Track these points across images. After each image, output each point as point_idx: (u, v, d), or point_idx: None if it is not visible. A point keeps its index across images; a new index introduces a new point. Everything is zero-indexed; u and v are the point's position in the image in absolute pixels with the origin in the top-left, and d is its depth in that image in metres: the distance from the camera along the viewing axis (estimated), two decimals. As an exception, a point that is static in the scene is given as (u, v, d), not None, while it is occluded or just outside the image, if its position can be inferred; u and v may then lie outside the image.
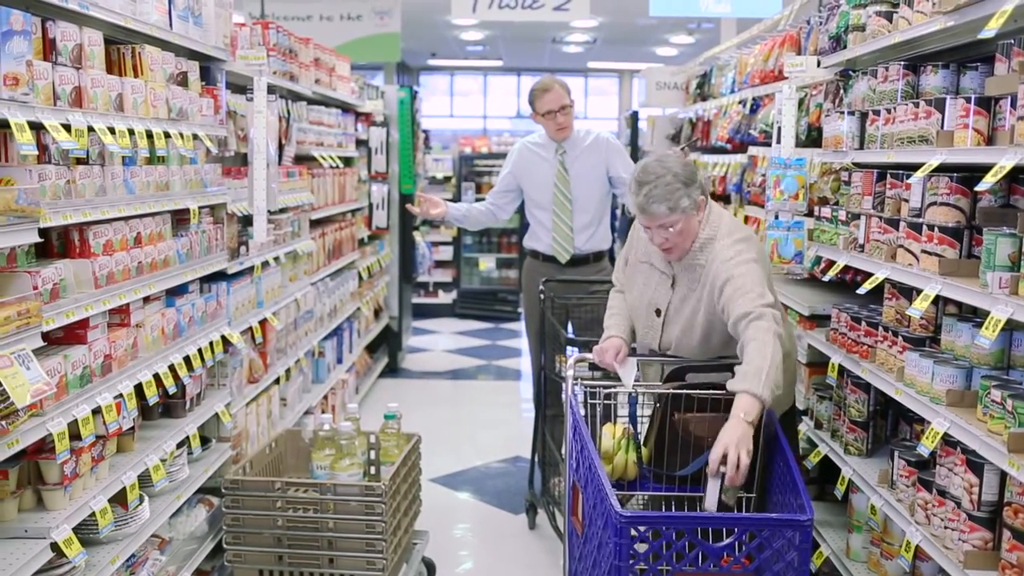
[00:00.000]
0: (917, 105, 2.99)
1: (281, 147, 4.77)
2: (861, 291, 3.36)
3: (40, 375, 2.28)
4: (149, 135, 3.11)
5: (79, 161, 2.79)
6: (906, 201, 3.15)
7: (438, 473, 5.58)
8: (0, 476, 2.49)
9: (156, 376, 3.11)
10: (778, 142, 4.25)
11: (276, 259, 4.59)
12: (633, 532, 2.48)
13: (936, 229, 2.86)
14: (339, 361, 6.15)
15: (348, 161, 6.86)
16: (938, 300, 2.99)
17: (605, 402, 3.13)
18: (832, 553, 3.52)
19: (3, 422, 2.23)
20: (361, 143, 7.42)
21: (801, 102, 4.47)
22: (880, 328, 3.28)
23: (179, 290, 3.46)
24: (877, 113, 3.34)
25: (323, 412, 5.42)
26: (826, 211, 3.85)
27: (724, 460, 2.63)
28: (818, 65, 4.12)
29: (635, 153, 10.20)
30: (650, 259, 3.25)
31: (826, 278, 3.83)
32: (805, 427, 3.92)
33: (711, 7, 8.37)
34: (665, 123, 8.67)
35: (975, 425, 2.55)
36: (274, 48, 4.69)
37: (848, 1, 3.74)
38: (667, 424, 2.99)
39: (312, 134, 5.57)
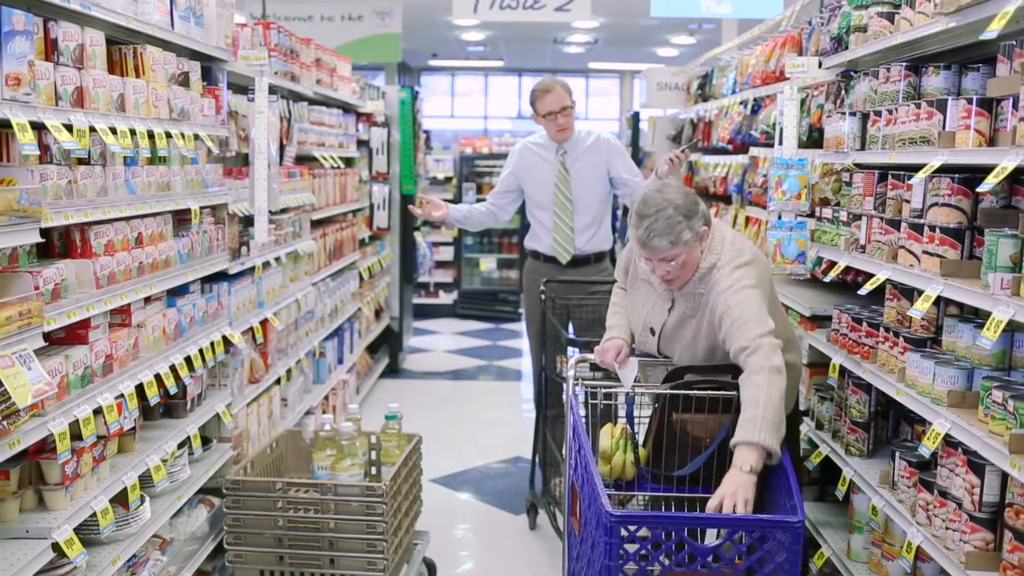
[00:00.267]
0: (919, 106, 2.99)
1: (282, 147, 4.77)
2: (862, 292, 3.36)
3: (41, 375, 2.28)
4: (150, 135, 3.12)
5: (80, 161, 2.79)
6: (907, 202, 3.15)
7: (439, 473, 5.58)
8: (1, 476, 2.49)
9: (157, 376, 3.11)
10: (780, 143, 4.24)
11: (277, 259, 4.59)
12: (624, 532, 2.47)
13: (937, 230, 2.86)
14: (340, 361, 6.15)
15: (349, 161, 6.86)
16: (939, 301, 2.99)
17: (605, 402, 3.13)
18: (833, 554, 3.52)
19: (4, 422, 2.23)
20: (362, 143, 7.42)
21: (802, 103, 4.47)
22: (881, 329, 3.28)
23: (180, 290, 3.46)
24: (879, 114, 3.34)
25: (324, 412, 5.42)
26: (827, 212, 3.85)
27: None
28: (819, 66, 4.12)
29: (636, 154, 10.22)
30: (650, 278, 3.20)
31: (827, 279, 3.83)
32: (806, 428, 3.92)
33: (712, 8, 8.38)
34: (666, 124, 8.67)
35: (976, 426, 2.55)
36: (275, 48, 4.69)
37: (850, 2, 3.74)
38: (665, 424, 2.99)
39: (313, 134, 5.57)
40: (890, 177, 3.32)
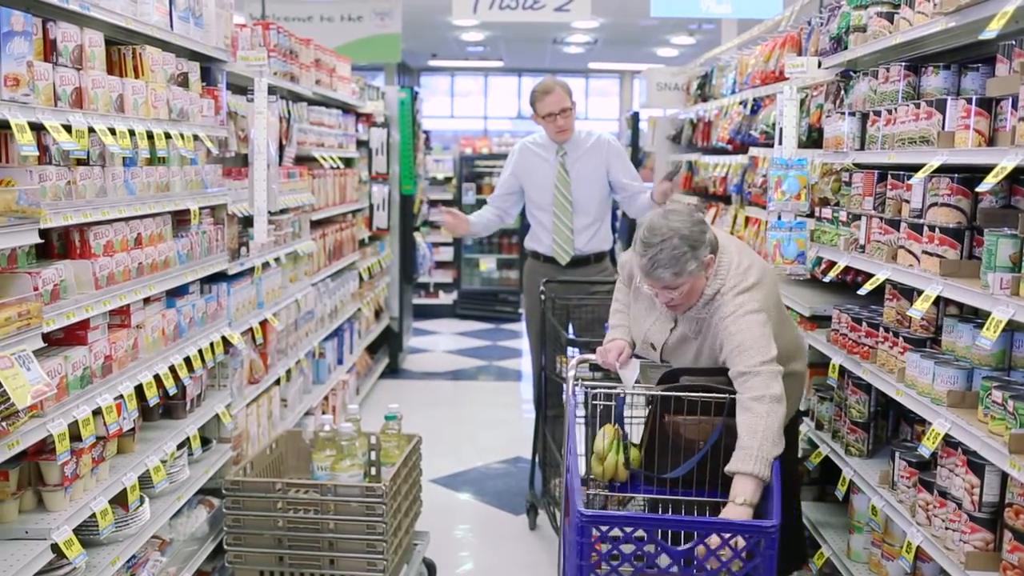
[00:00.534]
0: (918, 106, 2.99)
1: (282, 148, 4.76)
2: (862, 292, 3.36)
3: (40, 376, 2.28)
4: (150, 136, 3.11)
5: (80, 162, 2.79)
6: (907, 202, 3.15)
7: (439, 474, 5.58)
8: (1, 477, 2.49)
9: (156, 377, 3.11)
10: (779, 143, 4.24)
11: (277, 260, 4.59)
12: (595, 531, 2.45)
13: (937, 230, 2.86)
14: (340, 362, 6.15)
15: (349, 162, 6.86)
16: (939, 301, 2.99)
17: (605, 403, 3.12)
18: (833, 554, 3.52)
19: (4, 423, 2.23)
20: (362, 144, 7.42)
21: (802, 103, 4.47)
22: (881, 329, 3.28)
23: (179, 291, 3.46)
24: (878, 114, 3.34)
25: (324, 413, 5.42)
26: (827, 212, 3.85)
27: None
28: (819, 66, 4.12)
29: (636, 154, 10.22)
30: (646, 295, 3.15)
31: (827, 279, 3.83)
32: (806, 428, 3.92)
33: (712, 8, 8.38)
34: (666, 124, 8.67)
35: (976, 426, 2.55)
36: (275, 49, 4.69)
37: (849, 2, 3.74)
38: (658, 426, 2.97)
39: (313, 135, 5.57)
40: (889, 177, 3.32)
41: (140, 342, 3.07)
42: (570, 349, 4.19)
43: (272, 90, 4.20)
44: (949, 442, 2.72)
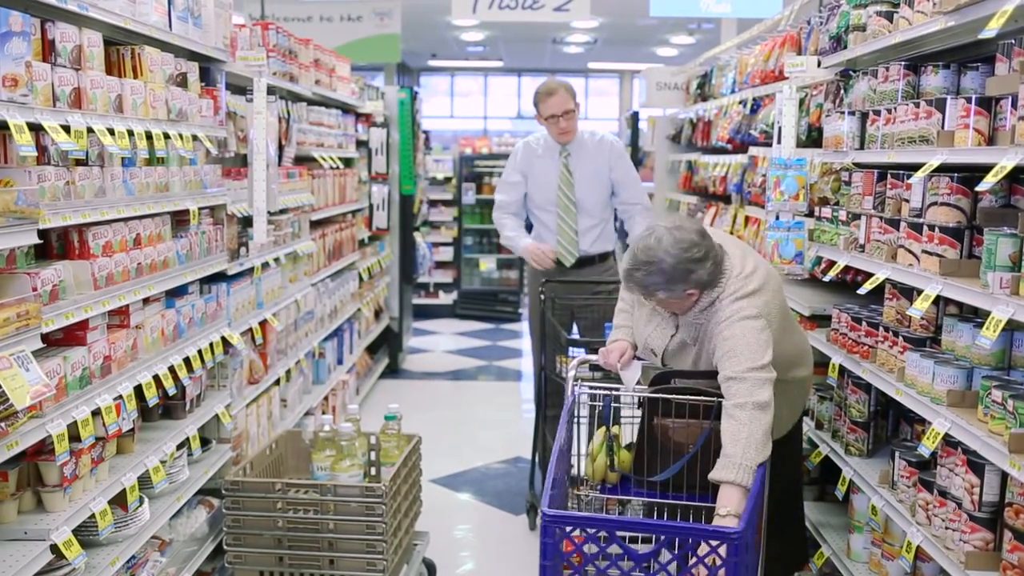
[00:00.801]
0: (918, 105, 2.99)
1: (281, 148, 4.76)
2: (862, 291, 3.36)
3: (39, 377, 2.28)
4: (149, 136, 3.11)
5: (78, 162, 2.79)
6: (907, 201, 3.15)
7: (439, 474, 5.58)
8: (0, 478, 2.49)
9: (156, 377, 3.11)
10: (778, 142, 4.24)
11: (276, 260, 4.58)
12: (558, 532, 2.41)
13: (937, 229, 2.86)
14: (339, 362, 6.15)
15: (348, 162, 6.86)
16: (939, 300, 2.99)
17: (595, 404, 3.08)
18: (833, 554, 3.52)
19: (3, 424, 2.23)
20: (361, 144, 7.42)
21: (801, 102, 4.46)
22: (881, 328, 3.28)
23: (179, 291, 3.46)
24: (878, 113, 3.34)
25: (323, 413, 5.42)
26: (826, 211, 3.85)
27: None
28: (818, 65, 4.11)
29: (636, 154, 10.21)
30: (648, 303, 3.12)
31: (827, 278, 3.83)
32: (806, 427, 3.91)
33: (711, 7, 8.38)
34: (666, 123, 8.67)
35: (976, 425, 2.55)
36: (274, 49, 4.69)
37: (848, 1, 3.74)
38: (646, 429, 2.94)
39: (312, 135, 5.57)
40: (889, 176, 3.32)
41: (139, 342, 3.07)
42: (572, 349, 4.18)
43: (271, 90, 4.20)
44: (949, 442, 2.72)
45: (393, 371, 8.18)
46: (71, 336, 2.72)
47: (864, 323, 3.40)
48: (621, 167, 4.86)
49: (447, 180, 11.56)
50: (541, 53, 16.80)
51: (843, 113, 3.65)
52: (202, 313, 3.56)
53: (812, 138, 4.37)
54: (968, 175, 2.84)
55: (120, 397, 2.85)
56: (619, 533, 2.51)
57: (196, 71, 3.59)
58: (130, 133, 2.89)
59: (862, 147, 3.53)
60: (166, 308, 3.33)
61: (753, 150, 5.53)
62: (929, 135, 2.90)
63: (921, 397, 2.85)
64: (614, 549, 2.46)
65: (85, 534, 2.78)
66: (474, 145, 11.97)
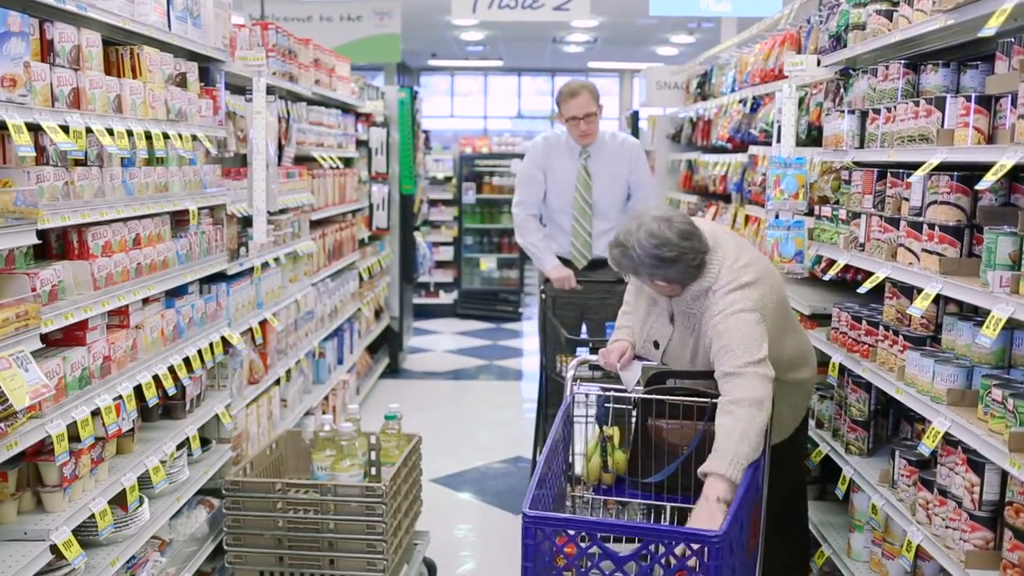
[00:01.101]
0: (917, 104, 2.99)
1: (281, 148, 4.76)
2: (862, 290, 3.35)
3: (39, 377, 2.28)
4: (148, 136, 3.11)
5: (77, 162, 2.79)
6: (906, 200, 3.15)
7: (439, 473, 5.58)
8: (0, 478, 2.50)
9: (155, 377, 3.11)
10: (778, 141, 4.24)
11: (276, 260, 4.58)
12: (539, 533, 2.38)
13: (936, 228, 2.85)
14: (340, 362, 6.15)
15: (348, 162, 6.85)
16: (939, 299, 2.99)
17: (597, 404, 3.07)
18: (833, 553, 3.52)
19: (2, 424, 2.23)
20: (361, 144, 7.41)
21: (801, 101, 4.46)
22: (881, 327, 3.27)
23: (178, 291, 3.45)
24: (877, 112, 3.34)
25: (324, 413, 5.41)
26: (826, 210, 3.84)
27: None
28: (818, 64, 4.11)
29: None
30: (648, 292, 3.14)
31: (827, 277, 3.82)
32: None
33: (711, 6, 8.37)
34: (666, 122, 8.67)
35: (976, 424, 2.54)
36: (273, 49, 4.69)
37: (848, 0, 3.74)
38: (640, 430, 2.91)
39: (312, 135, 5.57)
40: (889, 175, 3.32)
41: (139, 343, 3.07)
42: (579, 349, 4.16)
43: (271, 90, 4.20)
44: (949, 440, 2.72)
45: (393, 371, 8.18)
46: (70, 336, 2.72)
47: (864, 322, 3.40)
48: (639, 169, 4.82)
49: (447, 180, 11.57)
50: (541, 53, 16.79)
51: (843, 112, 3.65)
52: (202, 313, 3.56)
53: (812, 137, 4.37)
54: (968, 174, 2.84)
55: (120, 397, 2.85)
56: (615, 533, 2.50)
57: (195, 71, 3.59)
58: (129, 133, 2.89)
59: (862, 146, 3.53)
60: (166, 308, 3.33)
61: (753, 149, 5.53)
62: (929, 134, 2.90)
63: (921, 396, 2.85)
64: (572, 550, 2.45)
65: (85, 534, 2.77)
66: (474, 145, 11.97)
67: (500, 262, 11.44)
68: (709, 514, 2.53)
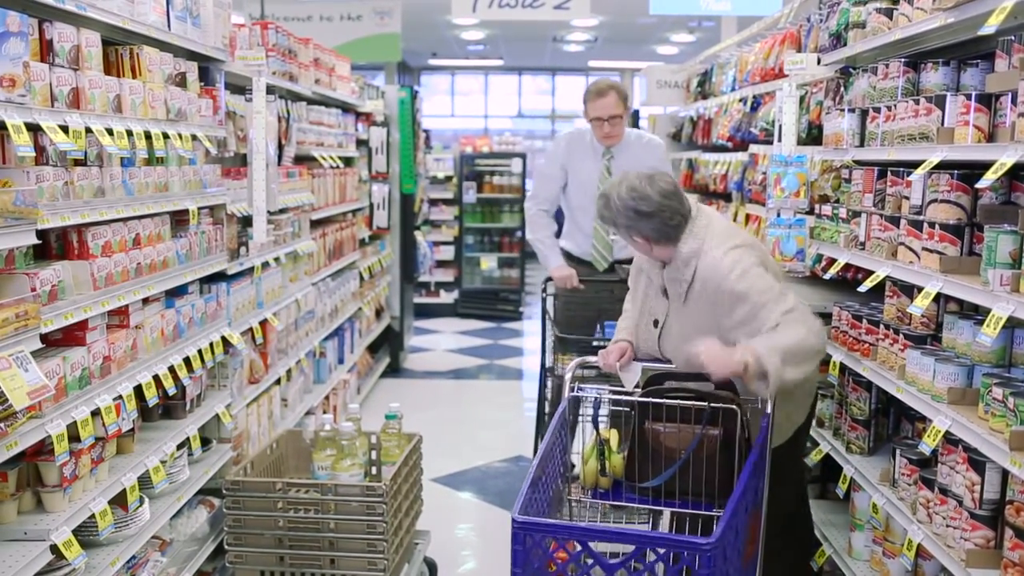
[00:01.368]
0: (918, 102, 2.98)
1: (281, 147, 4.76)
2: (862, 289, 3.35)
3: (39, 377, 2.28)
4: (148, 136, 3.11)
5: (77, 162, 2.79)
6: (907, 198, 3.14)
7: (440, 473, 5.57)
8: (0, 478, 2.49)
9: (156, 377, 3.11)
10: (779, 140, 4.24)
11: (276, 260, 4.58)
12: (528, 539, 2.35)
13: (937, 226, 2.85)
14: (340, 361, 6.15)
15: (349, 161, 6.85)
16: (939, 298, 2.98)
17: (592, 407, 3.02)
18: (834, 552, 3.52)
19: (2, 424, 2.22)
20: (362, 143, 7.41)
21: (802, 100, 4.46)
22: (881, 326, 3.27)
23: (179, 291, 3.45)
24: (878, 110, 3.33)
25: (324, 412, 5.41)
26: (827, 209, 3.84)
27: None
28: (818, 63, 4.11)
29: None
30: (644, 267, 3.18)
31: (827, 276, 3.82)
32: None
33: (711, 5, 8.37)
34: (666, 121, 8.66)
35: (977, 423, 2.54)
36: (273, 48, 4.69)
37: (848, -2, 3.73)
38: (637, 433, 2.86)
39: (312, 134, 5.56)
40: (889, 174, 3.32)
41: (139, 342, 3.07)
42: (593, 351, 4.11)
43: (271, 89, 4.20)
44: (950, 439, 2.71)
45: (394, 370, 8.18)
46: (70, 336, 2.71)
47: (865, 321, 3.40)
48: (663, 170, 4.79)
49: (448, 179, 11.57)
50: (541, 52, 16.78)
51: (843, 110, 3.64)
52: (202, 313, 3.56)
53: (812, 136, 4.36)
54: (968, 172, 2.83)
55: (120, 397, 2.85)
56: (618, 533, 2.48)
57: (195, 71, 3.59)
58: (129, 133, 2.88)
59: (862, 144, 3.53)
60: (166, 308, 3.33)
61: (753, 148, 5.53)
62: (929, 132, 2.89)
63: (922, 395, 2.85)
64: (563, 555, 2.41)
65: (85, 534, 2.77)
66: (475, 144, 11.97)
67: (501, 261, 11.44)
68: (723, 360, 2.69)
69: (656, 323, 3.13)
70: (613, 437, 2.97)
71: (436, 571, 4.16)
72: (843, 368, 3.57)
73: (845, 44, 3.77)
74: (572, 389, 3.04)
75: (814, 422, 3.87)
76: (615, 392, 3.04)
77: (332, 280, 6.03)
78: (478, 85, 19.99)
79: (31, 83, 2.40)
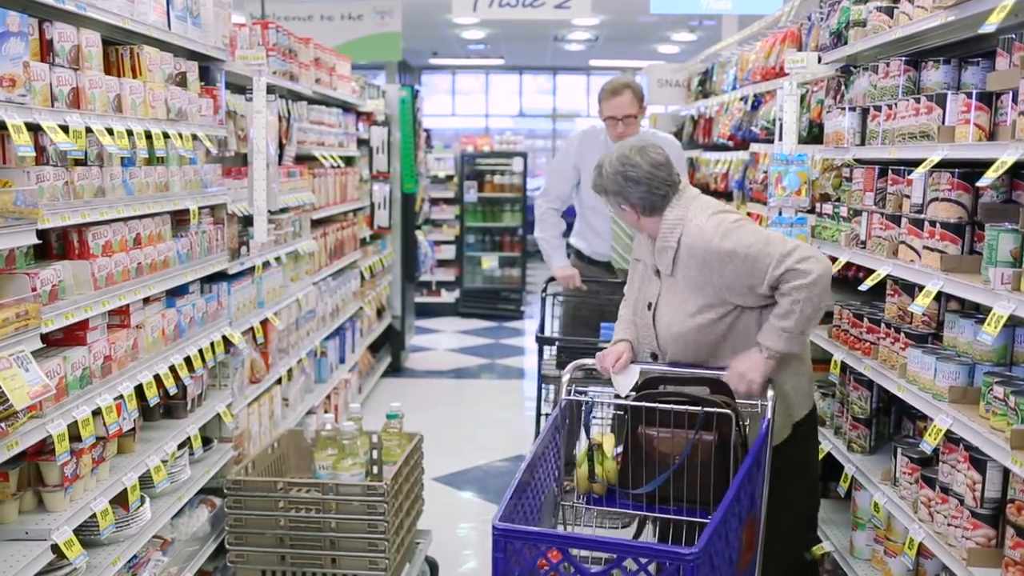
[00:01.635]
0: (918, 101, 2.98)
1: (282, 147, 4.76)
2: (863, 288, 3.35)
3: (39, 377, 2.28)
4: (148, 136, 3.11)
5: (77, 162, 2.79)
6: (908, 197, 3.14)
7: (441, 472, 5.58)
8: (0, 478, 2.49)
9: (157, 377, 3.11)
10: (780, 139, 4.23)
11: (277, 259, 4.58)
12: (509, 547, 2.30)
13: (938, 225, 2.85)
14: (341, 361, 6.15)
15: (349, 160, 6.85)
16: (940, 296, 2.98)
17: (584, 412, 2.96)
18: (836, 551, 3.52)
19: (3, 424, 2.23)
20: (362, 142, 7.41)
21: (802, 98, 4.46)
22: (882, 325, 3.27)
23: (179, 291, 3.45)
24: (878, 109, 3.33)
25: (326, 412, 5.42)
26: (828, 208, 3.84)
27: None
28: (819, 61, 4.11)
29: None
30: (639, 254, 3.20)
31: (828, 275, 3.81)
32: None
33: (712, 4, 8.36)
34: (667, 120, 8.66)
35: (978, 422, 2.54)
36: (274, 48, 4.69)
37: (849, -3, 3.73)
38: (630, 438, 2.81)
39: (313, 134, 5.56)
40: (890, 172, 3.31)
41: (140, 342, 3.07)
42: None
43: (271, 89, 4.20)
44: (951, 438, 2.71)
45: (395, 370, 8.18)
46: (71, 336, 2.72)
47: (866, 320, 3.39)
48: (679, 171, 4.77)
49: (449, 178, 11.57)
50: (542, 51, 16.77)
51: (844, 109, 3.64)
52: (203, 312, 3.56)
53: (813, 134, 4.36)
54: (969, 171, 2.83)
55: (121, 397, 2.85)
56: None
57: (195, 70, 3.59)
58: (129, 133, 2.88)
59: (863, 143, 3.53)
60: (167, 307, 3.33)
61: (754, 147, 5.52)
62: (930, 131, 2.89)
63: (923, 393, 2.84)
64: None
65: (86, 534, 2.77)
66: (476, 143, 11.97)
67: (502, 260, 11.44)
68: (753, 364, 2.87)
69: (650, 306, 3.10)
70: (608, 442, 2.89)
71: (437, 570, 4.16)
72: (844, 367, 3.57)
73: (846, 42, 3.77)
74: (569, 392, 2.99)
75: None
76: (602, 395, 2.99)
77: (333, 279, 6.03)
78: (479, 84, 19.98)
79: (31, 83, 2.40)
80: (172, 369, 3.21)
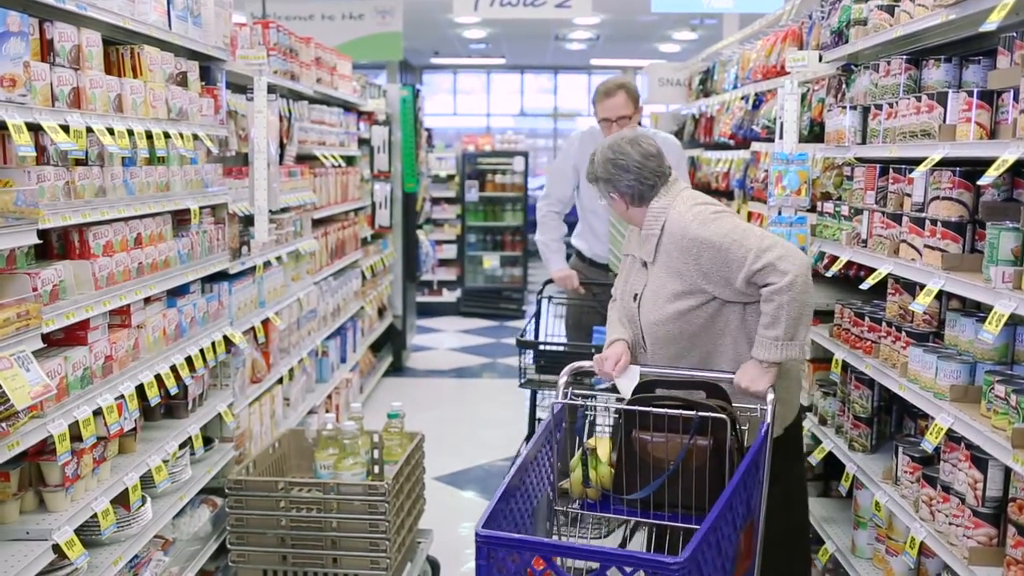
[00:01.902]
0: (919, 99, 2.98)
1: (283, 146, 4.76)
2: (864, 286, 3.35)
3: (40, 377, 2.28)
4: (149, 135, 3.11)
5: (78, 162, 2.79)
6: (909, 196, 3.14)
7: (442, 472, 5.58)
8: (1, 478, 2.49)
9: (158, 377, 3.11)
10: (780, 137, 4.23)
11: (278, 259, 4.58)
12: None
13: (939, 224, 2.85)
14: (343, 360, 6.15)
15: (350, 160, 6.85)
16: (941, 295, 2.98)
17: (579, 416, 2.92)
18: (837, 550, 3.51)
19: (4, 424, 2.23)
20: (363, 142, 7.41)
21: (803, 97, 4.45)
22: (883, 324, 3.27)
23: (180, 290, 3.45)
24: (879, 107, 3.33)
25: (327, 411, 5.42)
26: (829, 206, 3.84)
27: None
28: (820, 60, 4.10)
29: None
30: (629, 249, 3.18)
31: (829, 274, 3.81)
32: (809, 423, 3.91)
33: (713, 3, 8.36)
34: (668, 119, 8.66)
35: (979, 421, 2.54)
36: (274, 48, 4.69)
37: (849, -5, 3.73)
38: (623, 443, 2.75)
39: (314, 133, 5.56)
40: (891, 171, 3.31)
41: (141, 342, 3.07)
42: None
43: (272, 89, 4.20)
44: (952, 437, 2.71)
45: (397, 369, 8.18)
46: (72, 336, 2.72)
47: (867, 318, 3.39)
48: (679, 171, 4.78)
49: (450, 178, 11.57)
50: (543, 50, 16.77)
51: (845, 108, 3.64)
52: (204, 312, 3.56)
53: (814, 133, 4.36)
54: (970, 169, 2.83)
55: (122, 396, 2.85)
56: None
57: (196, 70, 3.59)
58: (130, 132, 2.89)
59: (864, 142, 3.52)
60: (167, 307, 3.33)
61: (755, 145, 5.52)
62: (931, 129, 2.89)
63: (924, 392, 2.84)
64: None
65: (87, 534, 2.78)
66: (477, 142, 11.97)
67: (503, 260, 11.44)
68: (756, 375, 2.84)
69: (635, 297, 3.07)
70: (603, 446, 2.83)
71: (439, 570, 4.16)
72: (845, 366, 3.57)
73: (847, 41, 3.76)
74: (565, 396, 2.91)
75: (816, 419, 3.88)
76: (590, 398, 2.92)
77: (334, 279, 6.03)
78: (480, 84, 19.99)
79: (32, 83, 2.40)
80: (173, 369, 3.21)
